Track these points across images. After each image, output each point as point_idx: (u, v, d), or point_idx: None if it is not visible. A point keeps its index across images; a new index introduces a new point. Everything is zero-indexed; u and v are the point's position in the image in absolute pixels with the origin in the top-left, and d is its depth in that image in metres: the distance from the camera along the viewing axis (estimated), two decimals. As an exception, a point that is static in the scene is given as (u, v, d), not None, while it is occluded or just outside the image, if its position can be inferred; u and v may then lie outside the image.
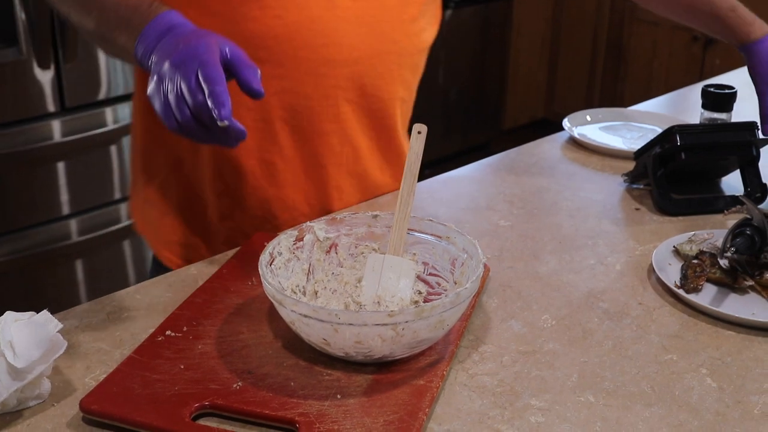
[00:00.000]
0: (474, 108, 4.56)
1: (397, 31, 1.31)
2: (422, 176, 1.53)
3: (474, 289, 0.94)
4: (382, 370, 0.93)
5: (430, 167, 4.38)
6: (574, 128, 1.71)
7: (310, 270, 1.07)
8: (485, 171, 1.56)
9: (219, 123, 0.93)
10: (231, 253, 1.22)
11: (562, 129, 1.71)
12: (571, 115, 1.76)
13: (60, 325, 0.90)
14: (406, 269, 1.04)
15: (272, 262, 1.02)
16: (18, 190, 2.61)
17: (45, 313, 0.91)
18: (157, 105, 0.98)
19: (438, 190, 1.46)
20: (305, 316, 0.90)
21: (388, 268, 1.03)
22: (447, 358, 0.95)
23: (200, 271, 1.18)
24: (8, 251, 2.68)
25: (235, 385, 0.90)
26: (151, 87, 0.99)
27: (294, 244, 1.06)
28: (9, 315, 0.90)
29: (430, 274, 1.08)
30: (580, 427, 0.87)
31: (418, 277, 1.07)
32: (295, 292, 1.03)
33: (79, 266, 2.86)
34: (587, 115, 1.79)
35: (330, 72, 1.25)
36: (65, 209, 2.78)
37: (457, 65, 4.36)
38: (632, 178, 1.46)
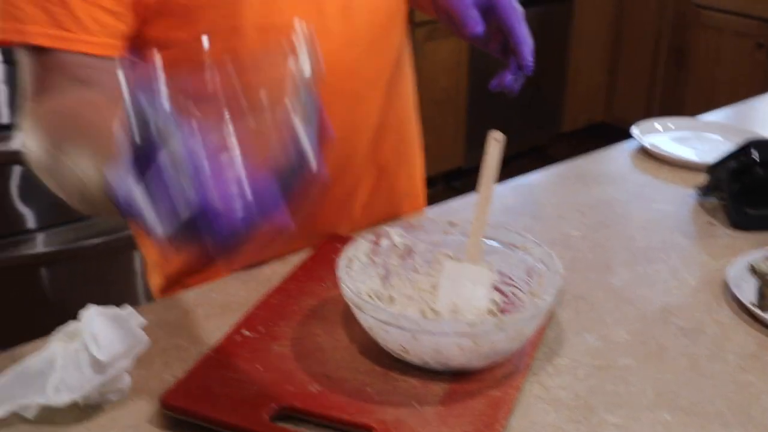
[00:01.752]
0: (532, 110, 4.54)
1: (397, 31, 1.28)
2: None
3: (552, 302, 0.94)
4: (458, 379, 0.94)
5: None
6: (643, 137, 1.69)
7: (386, 275, 1.08)
8: (554, 179, 1.56)
9: None
10: (305, 254, 1.23)
11: (621, 134, 1.69)
12: (640, 124, 1.75)
13: (143, 321, 0.92)
14: (482, 278, 1.04)
15: (349, 266, 1.02)
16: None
17: (128, 308, 0.92)
18: None
19: (507, 197, 1.45)
20: (385, 322, 0.90)
21: (464, 277, 1.04)
22: (522, 370, 0.95)
23: (274, 271, 1.19)
24: (71, 239, 2.72)
25: (312, 388, 0.91)
26: None
27: (371, 248, 1.07)
28: (93, 308, 0.92)
29: (505, 284, 1.08)
30: (657, 445, 0.87)
31: (494, 287, 1.07)
32: (371, 297, 1.03)
33: (137, 257, 2.89)
34: (657, 123, 1.77)
35: (357, 105, 1.22)
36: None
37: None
38: (705, 190, 1.44)
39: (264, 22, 1.09)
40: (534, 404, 0.92)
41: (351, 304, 0.95)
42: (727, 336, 1.06)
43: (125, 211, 0.72)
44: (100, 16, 0.98)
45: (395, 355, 0.95)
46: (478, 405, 0.89)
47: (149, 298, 1.17)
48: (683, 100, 4.48)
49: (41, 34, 0.97)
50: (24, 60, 1.02)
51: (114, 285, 2.87)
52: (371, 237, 1.07)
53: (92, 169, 0.87)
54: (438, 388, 0.92)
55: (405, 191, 1.39)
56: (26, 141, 1.02)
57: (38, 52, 0.99)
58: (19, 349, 1.01)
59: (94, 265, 2.80)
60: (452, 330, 0.89)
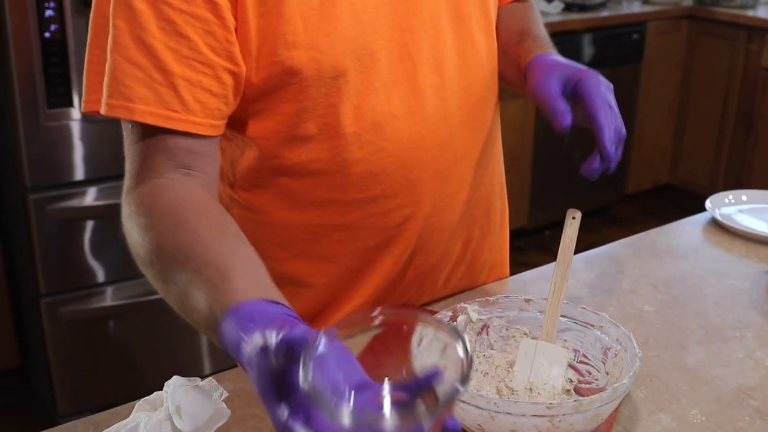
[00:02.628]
0: (597, 171, 4.53)
1: (492, 97, 1.30)
2: (544, 239, 1.52)
3: (630, 385, 0.94)
4: (533, 458, 0.94)
5: (551, 228, 4.38)
6: (716, 210, 1.69)
7: (463, 352, 1.09)
8: (626, 251, 1.56)
9: None
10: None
11: (686, 196, 1.69)
12: (713, 196, 1.74)
13: (225, 394, 0.93)
14: (558, 357, 1.04)
15: (421, 342, 1.03)
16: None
17: (211, 380, 0.94)
18: None
19: (579, 270, 1.45)
20: (462, 401, 0.91)
21: (540, 355, 1.04)
22: (598, 451, 0.95)
23: (348, 343, 1.20)
24: (139, 293, 2.77)
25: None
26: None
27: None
28: (176, 380, 0.94)
29: (581, 362, 1.08)
30: None
31: (569, 364, 1.07)
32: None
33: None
34: (729, 195, 1.76)
35: (447, 182, 1.22)
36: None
37: (582, 127, 4.34)
38: (780, 267, 1.43)
39: (361, 102, 1.12)
40: (609, 487, 0.92)
41: None
42: (805, 421, 1.05)
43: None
44: (205, 98, 1.02)
45: (470, 432, 0.96)
46: (554, 486, 0.89)
47: (214, 352, 1.16)
48: (751, 165, 4.44)
49: (148, 113, 1.00)
50: (128, 136, 1.05)
51: (180, 339, 2.91)
52: (448, 313, 1.08)
53: (201, 301, 0.88)
54: (513, 467, 0.93)
55: (488, 263, 1.40)
56: (127, 227, 1.02)
57: (143, 130, 1.02)
58: (99, 416, 1.03)
59: (161, 320, 2.84)
60: (530, 411, 0.89)
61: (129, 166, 1.05)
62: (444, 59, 1.18)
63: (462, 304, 1.10)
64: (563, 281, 1.06)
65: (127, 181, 1.04)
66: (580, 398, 0.90)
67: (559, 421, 0.90)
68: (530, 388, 1.02)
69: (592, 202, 4.54)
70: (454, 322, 1.08)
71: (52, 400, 2.71)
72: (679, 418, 1.04)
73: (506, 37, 1.31)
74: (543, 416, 0.89)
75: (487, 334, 1.11)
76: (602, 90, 1.14)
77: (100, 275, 2.72)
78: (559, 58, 1.21)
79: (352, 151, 1.13)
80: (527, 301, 1.12)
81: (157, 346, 2.87)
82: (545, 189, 4.21)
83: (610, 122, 1.13)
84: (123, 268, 2.73)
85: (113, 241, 2.68)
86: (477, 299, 1.12)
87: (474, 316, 1.10)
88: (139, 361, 2.84)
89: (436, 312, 1.09)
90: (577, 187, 4.42)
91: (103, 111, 1.02)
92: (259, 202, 1.20)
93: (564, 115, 1.12)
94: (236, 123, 1.12)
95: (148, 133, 1.02)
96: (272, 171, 1.16)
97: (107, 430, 0.93)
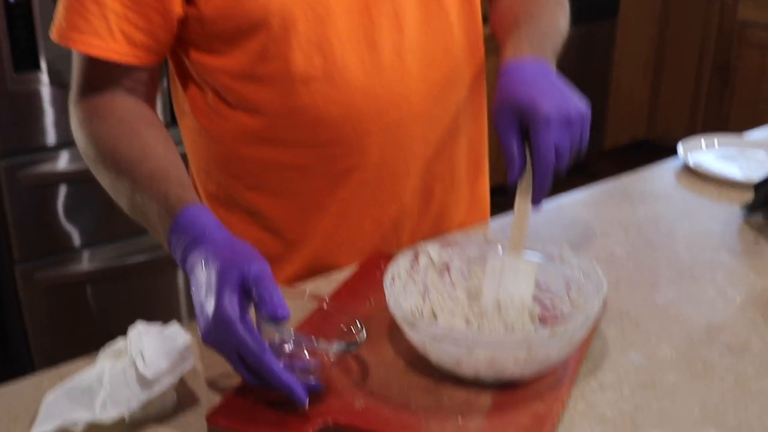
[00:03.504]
0: (574, 128, 4.53)
1: (464, 61, 1.29)
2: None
3: (599, 311, 0.95)
4: (502, 393, 0.94)
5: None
6: (688, 154, 1.68)
7: (425, 291, 1.09)
8: (599, 197, 1.55)
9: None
10: (347, 270, 1.24)
11: (664, 151, 1.69)
12: (685, 141, 1.74)
13: (189, 339, 0.93)
14: (525, 270, 1.04)
15: (392, 283, 1.03)
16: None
17: (175, 326, 0.94)
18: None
19: (552, 216, 1.45)
20: (439, 338, 0.91)
21: (507, 270, 1.04)
22: (567, 386, 0.95)
23: (318, 289, 1.19)
24: (115, 256, 2.76)
25: (356, 405, 0.91)
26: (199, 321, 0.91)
27: (410, 266, 1.07)
28: (140, 325, 0.93)
29: (543, 293, 1.09)
30: (704, 463, 0.86)
31: (535, 282, 1.08)
32: (414, 314, 1.04)
33: (180, 274, 2.92)
34: (702, 140, 1.76)
35: (398, 136, 1.22)
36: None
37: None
38: (751, 208, 1.43)
39: (312, 51, 1.14)
40: (579, 421, 0.92)
41: (401, 321, 0.95)
42: (774, 354, 1.05)
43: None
44: (130, 30, 1.10)
45: (445, 371, 0.95)
46: (523, 419, 0.89)
47: (193, 314, 1.17)
48: (727, 118, 4.45)
49: (80, 41, 1.10)
50: (77, 54, 1.15)
51: (158, 302, 2.90)
52: (410, 254, 1.08)
53: (152, 204, 1.05)
54: (482, 402, 0.92)
55: (457, 219, 1.39)
56: (81, 133, 1.15)
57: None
58: (66, 366, 1.02)
59: (139, 282, 2.83)
60: (508, 342, 0.89)
61: (76, 79, 1.16)
62: (405, 18, 1.19)
63: (423, 245, 1.10)
64: (528, 191, 1.06)
65: (74, 91, 1.17)
66: (558, 327, 0.90)
67: (536, 350, 0.90)
68: (498, 306, 1.03)
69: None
70: (416, 264, 1.08)
71: (30, 366, 2.70)
72: (649, 356, 1.04)
73: (506, 19, 1.29)
74: (521, 346, 0.90)
75: (449, 274, 1.10)
76: (549, 136, 1.06)
77: (76, 240, 2.70)
78: (526, 76, 1.12)
79: (301, 96, 1.16)
80: (486, 239, 1.12)
81: (136, 309, 2.86)
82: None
83: (547, 177, 1.07)
84: (99, 232, 2.72)
85: (88, 205, 2.66)
86: (437, 239, 1.12)
87: (435, 256, 1.09)
88: (117, 324, 2.81)
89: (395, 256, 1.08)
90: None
91: (51, 36, 1.13)
92: (217, 132, 1.23)
93: (512, 169, 1.08)
94: (198, 56, 1.17)
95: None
96: (229, 105, 1.20)
97: (73, 379, 0.92)
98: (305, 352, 0.91)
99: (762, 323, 1.11)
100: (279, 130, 1.19)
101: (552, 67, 1.18)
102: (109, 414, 0.87)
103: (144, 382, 0.89)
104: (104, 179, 1.13)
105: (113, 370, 0.89)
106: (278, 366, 0.87)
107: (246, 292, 0.89)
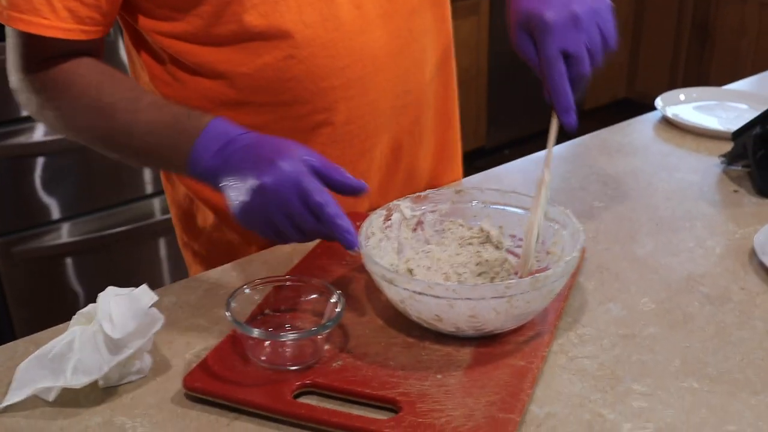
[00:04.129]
0: (554, 88, 4.51)
1: (427, 9, 1.26)
2: (503, 157, 1.51)
3: (578, 258, 0.94)
4: (482, 348, 0.93)
5: (510, 147, 4.36)
6: (667, 108, 1.67)
7: (400, 248, 1.07)
8: (576, 151, 1.54)
9: (351, 252, 0.95)
10: (324, 231, 1.23)
11: (644, 110, 1.68)
12: (664, 95, 1.73)
13: (155, 298, 0.91)
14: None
15: (367, 242, 1.02)
16: (104, 170, 2.65)
17: (143, 287, 0.92)
18: (261, 230, 0.97)
19: (530, 171, 1.44)
20: (419, 293, 0.89)
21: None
22: (547, 339, 0.94)
23: (294, 249, 1.18)
24: (95, 228, 2.73)
25: (335, 364, 0.90)
26: (240, 211, 0.96)
27: (384, 223, 1.06)
28: (110, 290, 0.92)
29: (518, 246, 1.08)
30: (685, 413, 0.85)
31: (507, 250, 1.08)
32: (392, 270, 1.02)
33: (162, 244, 2.90)
34: (680, 94, 1.75)
35: (363, 90, 1.20)
36: (149, 188, 2.82)
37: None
38: (730, 159, 1.42)
39: (267, 10, 1.11)
40: (559, 374, 0.91)
41: (379, 279, 0.94)
42: (754, 303, 1.04)
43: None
44: (74, 6, 1.05)
45: (426, 326, 0.94)
46: (503, 375, 0.88)
47: (174, 278, 1.18)
48: (707, 75, 4.44)
49: (20, 20, 1.05)
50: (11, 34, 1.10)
51: (139, 273, 2.88)
52: (383, 212, 1.06)
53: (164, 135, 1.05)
54: (461, 359, 0.91)
55: (427, 172, 1.38)
56: (41, 104, 1.12)
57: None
58: (41, 334, 1.01)
59: (120, 254, 2.81)
60: (489, 294, 0.88)
61: (18, 57, 1.10)
62: None
63: (395, 202, 1.08)
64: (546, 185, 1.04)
65: (18, 68, 1.11)
66: (537, 275, 0.89)
67: (517, 300, 0.89)
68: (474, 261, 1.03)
69: (549, 119, 4.53)
70: (389, 221, 1.07)
71: (12, 338, 2.68)
72: (629, 307, 1.03)
73: None
74: (501, 297, 0.88)
75: (422, 230, 1.09)
76: (552, 42, 1.02)
77: (55, 212, 2.67)
78: None
79: (260, 55, 1.13)
80: (458, 192, 1.11)
81: (117, 280, 2.83)
82: (502, 108, 4.19)
83: (563, 86, 1.03)
84: (78, 204, 2.69)
85: (66, 177, 2.63)
86: (409, 196, 1.10)
87: (407, 212, 1.08)
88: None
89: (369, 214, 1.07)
90: (534, 105, 4.40)
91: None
92: (178, 99, 1.19)
93: (568, 115, 1.06)
94: (148, 23, 1.14)
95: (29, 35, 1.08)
96: (187, 71, 1.17)
97: (44, 346, 0.90)
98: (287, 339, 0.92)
99: (741, 273, 1.11)
100: (241, 92, 1.16)
101: None
102: (80, 379, 0.86)
103: (113, 345, 0.87)
104: (91, 133, 1.11)
105: (83, 335, 0.87)
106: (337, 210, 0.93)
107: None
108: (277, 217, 0.94)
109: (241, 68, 1.14)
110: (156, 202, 2.85)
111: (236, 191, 0.95)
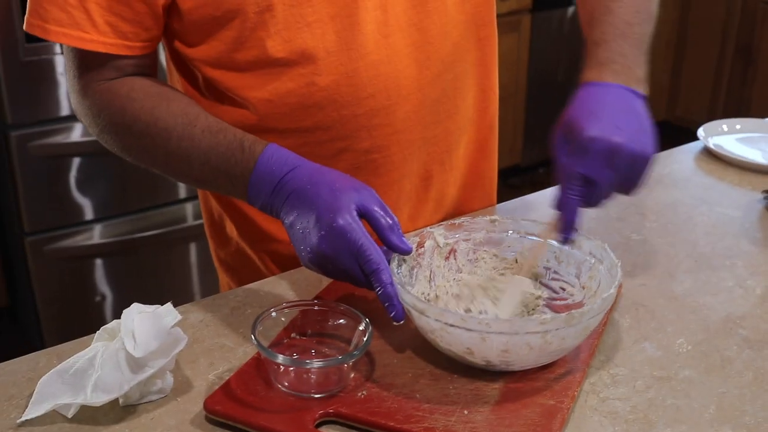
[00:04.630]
0: (593, 108, 4.47)
1: (464, 39, 1.23)
2: (537, 176, 1.48)
3: (615, 295, 0.92)
4: (511, 385, 0.90)
5: (545, 165, 4.32)
6: (709, 138, 1.64)
7: (431, 277, 1.05)
8: (615, 180, 1.51)
9: (395, 323, 0.94)
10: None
11: (684, 133, 1.64)
12: (706, 125, 1.69)
13: (179, 317, 0.89)
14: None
15: (399, 269, 1.00)
16: (139, 173, 2.66)
17: (167, 306, 0.90)
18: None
19: (566, 198, 1.41)
20: (451, 325, 0.87)
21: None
22: (578, 378, 0.92)
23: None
24: (127, 231, 2.74)
25: (359, 394, 0.88)
26: (305, 262, 0.99)
27: (416, 250, 1.04)
28: (135, 307, 0.90)
29: (553, 279, 1.06)
30: (719, 463, 0.82)
31: (540, 282, 1.05)
32: (424, 299, 1.00)
33: (193, 250, 2.90)
34: (723, 124, 1.72)
35: (387, 120, 1.18)
36: (182, 193, 2.82)
37: (577, 63, 4.28)
38: (773, 195, 1.39)
39: (291, 36, 1.10)
40: (589, 416, 0.88)
41: (410, 308, 0.92)
42: (795, 349, 1.01)
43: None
44: (115, 21, 1.05)
45: (456, 358, 0.92)
46: (531, 414, 0.86)
47: (205, 289, 1.16)
48: (750, 100, 4.38)
49: (62, 33, 1.05)
50: (68, 50, 1.11)
51: (169, 278, 2.88)
52: (416, 239, 1.04)
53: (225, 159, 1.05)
54: (490, 394, 0.89)
55: (457, 199, 1.36)
56: (97, 122, 1.12)
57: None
58: (63, 346, 1.00)
59: (150, 258, 2.81)
60: (523, 329, 0.86)
61: (75, 70, 1.10)
62: None
63: (428, 229, 1.06)
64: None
65: (77, 81, 1.11)
66: (572, 312, 0.86)
67: (552, 337, 0.87)
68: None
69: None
70: (422, 248, 1.04)
71: (40, 339, 2.69)
72: (664, 347, 1.00)
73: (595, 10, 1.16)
74: (536, 333, 0.86)
75: (455, 258, 1.07)
76: (578, 163, 0.99)
77: (88, 213, 2.68)
78: (597, 96, 1.04)
79: (283, 82, 1.12)
80: (492, 221, 1.08)
81: (146, 284, 2.84)
82: (539, 126, 4.16)
83: (570, 208, 1.01)
84: (111, 205, 2.70)
85: (101, 178, 2.64)
86: (442, 223, 1.08)
87: (441, 240, 1.06)
88: (127, 299, 2.80)
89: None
90: (573, 125, 4.36)
91: (24, 28, 1.08)
92: None
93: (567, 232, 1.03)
94: (180, 46, 1.14)
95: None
96: (216, 93, 1.17)
97: (67, 360, 0.89)
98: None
99: (782, 316, 1.07)
100: (263, 119, 1.15)
101: (640, 90, 1.07)
102: (100, 397, 0.85)
103: (135, 364, 0.86)
104: (152, 159, 1.11)
105: (106, 351, 0.86)
106: (389, 276, 0.94)
107: (361, 214, 0.96)
108: (339, 276, 0.98)
109: (263, 94, 1.13)
110: (189, 207, 2.85)
111: (299, 243, 0.98)
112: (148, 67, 1.13)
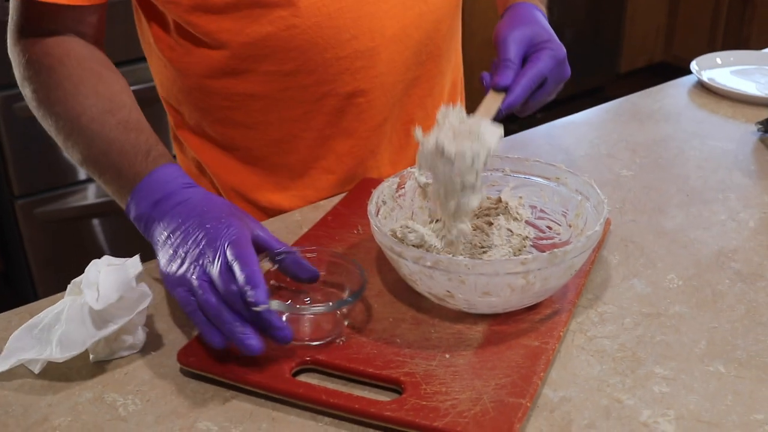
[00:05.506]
0: (589, 50, 4.41)
1: None
2: (536, 120, 1.45)
3: (600, 233, 0.88)
4: (494, 327, 0.87)
5: (543, 111, 4.26)
6: (702, 72, 1.60)
7: (413, 218, 1.02)
8: (606, 116, 1.47)
9: (253, 307, 0.79)
10: (336, 199, 1.17)
11: (681, 74, 1.60)
12: (700, 58, 1.65)
13: (140, 269, 0.86)
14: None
15: (378, 211, 0.96)
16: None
17: (134, 258, 0.87)
18: (177, 293, 0.84)
19: (557, 136, 1.38)
20: (430, 267, 0.84)
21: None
22: (564, 318, 0.89)
23: (305, 217, 1.13)
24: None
25: (338, 341, 0.85)
26: (164, 264, 0.87)
27: (396, 191, 1.01)
28: (105, 259, 0.87)
29: (539, 218, 1.03)
30: (709, 399, 0.79)
31: (526, 221, 1.01)
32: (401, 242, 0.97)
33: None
34: (717, 57, 1.67)
35: (371, 62, 1.14)
36: (173, 150, 2.78)
37: (572, 4, 4.21)
38: (767, 126, 1.35)
39: None
40: (576, 355, 0.85)
41: (389, 251, 0.88)
42: (789, 281, 0.98)
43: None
44: None
45: (437, 302, 0.89)
46: (515, 356, 0.83)
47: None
48: (748, 37, 4.32)
49: None
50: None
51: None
52: (395, 179, 1.01)
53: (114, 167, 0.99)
54: (473, 337, 0.86)
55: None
56: (25, 78, 1.07)
57: None
58: (36, 304, 0.97)
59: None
60: (503, 270, 0.83)
61: (16, 17, 1.06)
62: None
63: (409, 169, 1.03)
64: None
65: (14, 29, 1.06)
66: (554, 250, 0.83)
67: (534, 277, 0.83)
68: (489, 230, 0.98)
69: (585, 83, 4.42)
70: (402, 189, 1.01)
71: (35, 300, 2.66)
72: (654, 283, 0.97)
73: None
74: (517, 273, 0.83)
75: None
76: (549, 65, 1.11)
77: (80, 173, 2.64)
78: (538, 16, 1.16)
79: (263, 25, 1.08)
80: None
81: (143, 242, 2.81)
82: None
83: (526, 90, 1.08)
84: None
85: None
86: None
87: (421, 179, 1.02)
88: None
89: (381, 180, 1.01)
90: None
91: None
92: (183, 66, 1.15)
93: (503, 73, 1.08)
94: None
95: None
96: (192, 40, 1.12)
97: (36, 316, 0.86)
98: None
99: (776, 248, 1.04)
100: (244, 62, 1.11)
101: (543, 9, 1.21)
102: (63, 353, 0.82)
103: (99, 319, 0.83)
104: (56, 124, 1.04)
105: (72, 306, 0.83)
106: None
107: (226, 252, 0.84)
108: (194, 267, 0.84)
109: (242, 38, 1.08)
110: (181, 164, 2.82)
111: (161, 240, 0.89)
112: (93, 27, 1.08)
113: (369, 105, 1.18)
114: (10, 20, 1.07)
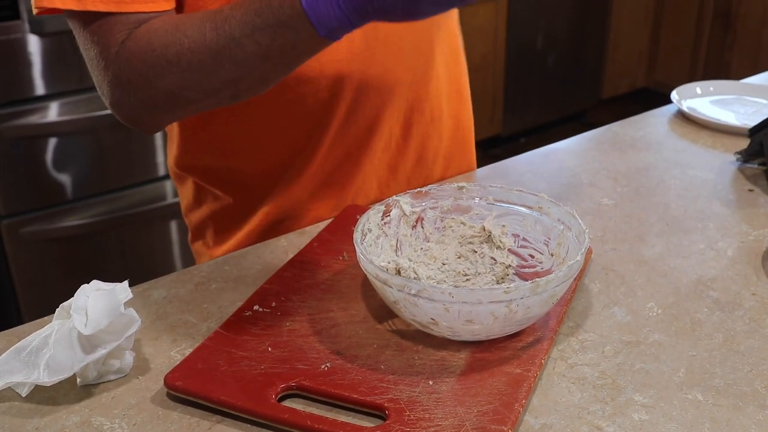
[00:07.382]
0: (572, 75, 4.45)
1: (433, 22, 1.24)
2: (519, 146, 1.47)
3: (581, 263, 0.89)
4: (477, 354, 0.89)
5: (526, 135, 4.30)
6: (683, 101, 1.62)
7: (398, 246, 1.03)
8: (588, 145, 1.49)
9: None
10: (322, 225, 1.19)
11: (663, 99, 1.63)
12: (680, 88, 1.68)
13: (129, 295, 0.87)
14: None
15: (364, 239, 0.98)
16: (116, 151, 2.63)
17: (123, 284, 0.88)
18: None
19: (538, 164, 1.40)
20: (414, 295, 0.85)
21: None
22: (546, 346, 0.90)
23: (290, 243, 1.14)
24: (105, 211, 2.71)
25: (323, 366, 0.87)
26: None
27: (382, 219, 1.02)
28: (94, 284, 0.88)
29: (521, 246, 1.04)
30: (687, 427, 0.81)
31: (509, 250, 1.03)
32: (386, 270, 0.99)
33: (173, 227, 2.88)
34: (697, 87, 1.70)
35: (366, 66, 1.18)
36: (161, 171, 2.79)
37: (555, 30, 4.26)
38: (746, 156, 1.37)
39: None
40: (557, 383, 0.87)
41: (374, 279, 0.90)
42: (765, 310, 0.99)
43: None
44: None
45: (421, 329, 0.90)
46: (497, 383, 0.84)
47: (187, 267, 1.15)
48: (729, 64, 4.37)
49: (99, 1, 0.97)
50: (80, 26, 1.01)
51: (151, 255, 2.86)
52: (381, 207, 1.02)
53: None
54: (456, 364, 0.87)
55: (441, 152, 1.35)
56: (156, 55, 0.98)
57: (93, 17, 0.99)
58: (23, 327, 0.98)
59: (131, 236, 2.79)
60: (487, 298, 0.84)
61: (99, 43, 1.00)
62: None
63: (394, 197, 1.04)
64: None
65: (99, 61, 1.00)
66: (537, 280, 0.85)
67: (516, 306, 0.85)
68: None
69: (567, 107, 4.47)
70: (388, 217, 1.03)
71: (19, 321, 2.66)
72: (634, 312, 0.99)
73: None
74: (500, 302, 0.84)
75: (422, 227, 1.05)
76: None
77: (66, 193, 2.65)
78: None
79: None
80: (460, 188, 1.06)
81: (128, 263, 2.82)
82: (519, 95, 4.14)
83: None
84: (89, 185, 2.66)
85: (78, 158, 2.60)
86: (408, 191, 1.06)
87: (407, 209, 1.04)
88: (110, 280, 2.78)
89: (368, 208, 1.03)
90: (551, 93, 4.34)
91: (58, 5, 0.98)
92: None
93: None
94: None
95: (99, 18, 0.99)
96: None
97: (23, 339, 0.87)
98: None
99: (754, 277, 1.06)
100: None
101: None
102: (51, 377, 0.83)
103: (87, 343, 0.84)
104: (192, 72, 0.96)
105: (60, 330, 0.84)
106: None
107: None
108: None
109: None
110: (168, 185, 2.83)
111: None
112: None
113: (365, 109, 1.22)
114: (88, 62, 1.03)
